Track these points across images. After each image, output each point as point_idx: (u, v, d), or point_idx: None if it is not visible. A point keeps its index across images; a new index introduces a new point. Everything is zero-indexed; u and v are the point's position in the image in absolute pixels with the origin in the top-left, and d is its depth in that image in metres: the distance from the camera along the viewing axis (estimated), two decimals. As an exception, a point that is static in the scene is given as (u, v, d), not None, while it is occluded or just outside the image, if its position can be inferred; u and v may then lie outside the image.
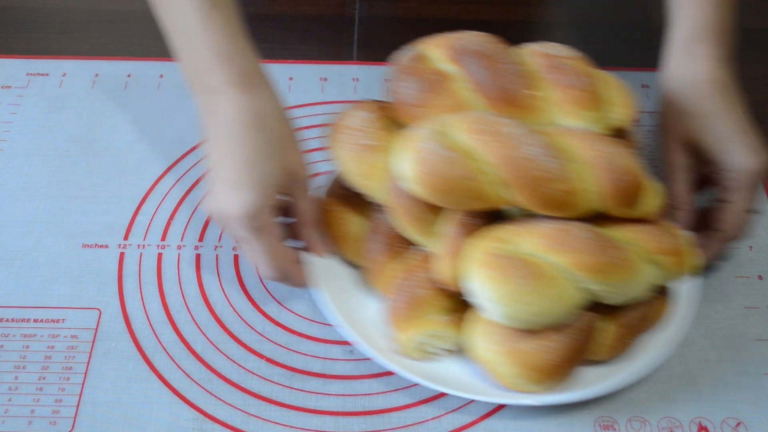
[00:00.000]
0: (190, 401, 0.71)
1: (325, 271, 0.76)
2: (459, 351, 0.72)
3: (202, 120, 0.71)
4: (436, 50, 0.74)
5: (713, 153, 0.75)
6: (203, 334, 0.76)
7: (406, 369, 0.70)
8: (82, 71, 0.97)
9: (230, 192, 0.68)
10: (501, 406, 0.71)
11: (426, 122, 0.68)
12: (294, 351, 0.75)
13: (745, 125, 0.74)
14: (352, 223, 0.77)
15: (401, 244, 0.74)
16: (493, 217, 0.70)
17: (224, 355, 0.74)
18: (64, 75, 0.97)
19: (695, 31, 0.77)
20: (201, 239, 0.82)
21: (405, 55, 0.75)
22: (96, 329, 0.75)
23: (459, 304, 0.71)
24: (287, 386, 0.72)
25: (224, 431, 0.69)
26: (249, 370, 0.73)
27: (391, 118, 0.75)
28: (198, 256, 0.81)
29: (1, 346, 0.74)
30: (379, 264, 0.74)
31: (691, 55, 0.77)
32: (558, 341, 0.67)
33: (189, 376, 0.73)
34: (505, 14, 1.10)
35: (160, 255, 0.81)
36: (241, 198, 0.67)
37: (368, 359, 0.74)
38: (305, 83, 0.97)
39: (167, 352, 0.74)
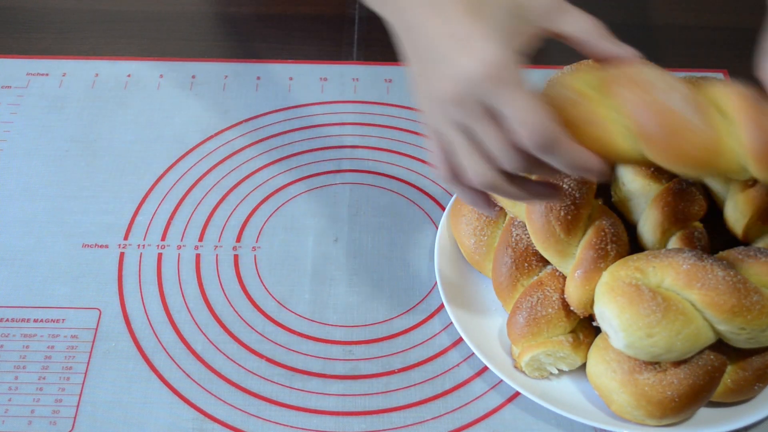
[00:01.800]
0: (190, 401, 0.71)
1: (452, 282, 0.77)
2: (574, 371, 0.72)
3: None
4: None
5: None
6: (203, 334, 0.76)
7: (525, 388, 0.70)
8: (82, 71, 0.97)
9: (453, 55, 0.53)
10: (501, 406, 0.71)
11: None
12: (294, 351, 0.75)
13: None
14: (489, 236, 0.77)
15: (533, 261, 0.74)
16: (631, 245, 0.71)
17: (224, 355, 0.74)
18: (64, 75, 0.97)
19: None
20: (201, 239, 0.82)
21: (561, 72, 0.72)
22: (96, 329, 0.75)
23: (581, 327, 0.72)
24: (287, 386, 0.72)
25: (224, 431, 0.69)
26: (249, 370, 0.73)
27: None
28: (198, 256, 0.81)
29: (1, 346, 0.74)
30: (508, 279, 0.74)
31: None
32: (681, 378, 0.66)
33: (189, 376, 0.73)
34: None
35: (160, 255, 0.81)
36: (473, 54, 0.52)
37: (366, 359, 0.74)
38: (305, 83, 0.97)
39: (167, 352, 0.74)
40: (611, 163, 0.57)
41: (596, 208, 0.72)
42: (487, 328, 0.75)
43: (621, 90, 0.56)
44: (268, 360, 0.74)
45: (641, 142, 0.57)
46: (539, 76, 0.99)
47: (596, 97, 0.57)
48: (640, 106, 0.56)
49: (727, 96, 0.57)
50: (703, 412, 0.69)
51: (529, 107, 0.52)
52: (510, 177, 0.58)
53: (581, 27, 0.58)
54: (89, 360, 0.73)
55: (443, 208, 0.85)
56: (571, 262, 0.70)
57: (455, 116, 0.55)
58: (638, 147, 0.57)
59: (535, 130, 0.53)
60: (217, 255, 0.81)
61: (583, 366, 0.71)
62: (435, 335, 0.76)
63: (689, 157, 0.56)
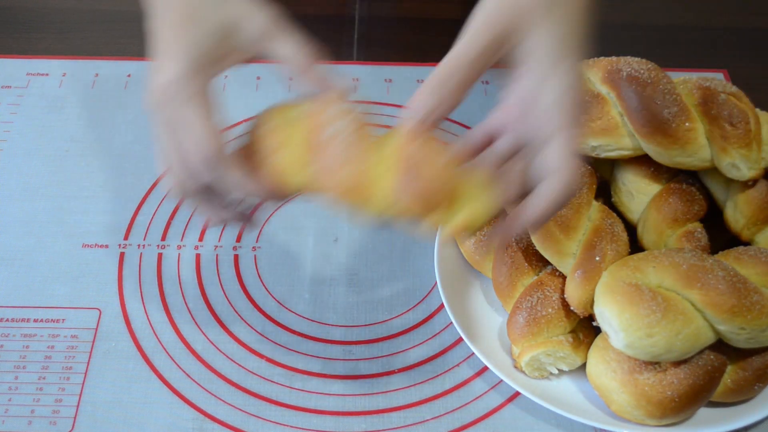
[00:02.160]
0: (190, 401, 0.71)
1: (452, 282, 0.77)
2: (574, 371, 0.72)
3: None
4: (592, 71, 0.74)
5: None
6: (203, 334, 0.75)
7: (525, 388, 0.70)
8: (82, 71, 0.97)
9: (163, 59, 0.57)
10: (501, 406, 0.72)
11: None
12: (294, 351, 0.75)
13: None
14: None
15: (533, 261, 0.74)
16: (631, 245, 0.71)
17: (224, 355, 0.74)
18: (64, 75, 0.97)
19: None
20: (201, 239, 0.82)
21: None
22: (96, 329, 0.75)
23: (581, 326, 0.72)
24: (287, 386, 0.72)
25: (224, 431, 0.69)
26: (249, 370, 0.73)
27: None
28: (198, 256, 0.81)
29: (1, 346, 0.74)
30: (508, 279, 0.74)
31: None
32: (681, 378, 0.66)
33: (189, 376, 0.73)
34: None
35: (160, 255, 0.81)
36: (170, 62, 0.56)
37: (366, 359, 0.74)
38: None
39: (167, 352, 0.74)
40: (288, 189, 0.59)
41: (596, 208, 0.72)
42: (487, 328, 0.75)
43: (300, 126, 0.59)
44: (268, 360, 0.74)
45: (310, 175, 0.58)
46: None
47: (283, 130, 0.59)
48: (310, 144, 0.58)
49: (393, 135, 0.57)
50: (703, 412, 0.69)
51: (197, 127, 0.56)
52: (207, 193, 0.60)
53: (289, 55, 0.60)
54: (89, 360, 0.73)
55: (443, 208, 0.85)
56: (571, 262, 0.70)
57: (154, 122, 0.59)
58: (306, 179, 0.59)
59: (200, 148, 0.56)
60: (217, 255, 0.81)
61: (583, 366, 0.71)
62: (435, 335, 0.76)
63: (342, 191, 0.56)
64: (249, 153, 0.59)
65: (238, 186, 0.58)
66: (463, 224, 0.56)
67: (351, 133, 0.56)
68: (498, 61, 0.56)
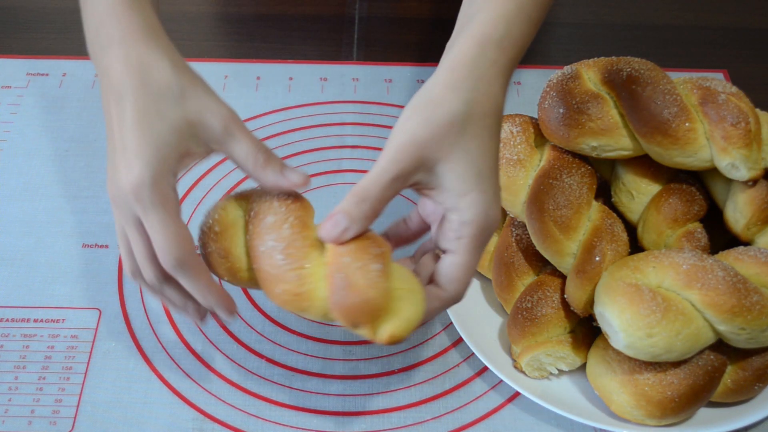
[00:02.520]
0: (190, 401, 0.71)
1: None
2: (574, 371, 0.72)
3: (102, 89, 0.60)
4: (592, 71, 0.74)
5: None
6: (203, 334, 0.76)
7: (525, 388, 0.70)
8: (82, 71, 0.97)
9: (119, 164, 0.56)
10: (501, 406, 0.72)
11: None
12: (294, 351, 0.75)
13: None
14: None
15: (533, 261, 0.74)
16: (631, 245, 0.71)
17: (224, 355, 0.74)
18: (64, 75, 0.97)
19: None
20: (201, 239, 0.82)
21: (562, 72, 0.75)
22: (96, 329, 0.75)
23: (581, 326, 0.72)
24: (287, 386, 0.72)
25: (224, 431, 0.69)
26: (249, 370, 0.73)
27: (537, 133, 0.75)
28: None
29: (1, 346, 0.74)
30: (508, 279, 0.74)
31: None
32: (681, 378, 0.66)
33: (189, 376, 0.73)
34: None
35: (160, 255, 0.81)
36: (129, 168, 0.55)
37: (366, 359, 0.74)
38: (305, 83, 0.97)
39: (167, 352, 0.74)
40: (243, 287, 0.60)
41: (596, 208, 0.72)
42: (487, 328, 0.75)
43: (249, 228, 0.59)
44: (268, 360, 0.74)
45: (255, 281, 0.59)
46: (539, 76, 0.99)
47: (231, 233, 0.60)
48: (250, 249, 0.58)
49: (328, 246, 0.57)
50: (703, 412, 0.69)
51: (163, 230, 0.56)
52: (174, 284, 0.61)
53: (244, 155, 0.58)
54: (89, 360, 0.73)
55: (443, 208, 0.85)
56: (570, 262, 0.70)
57: (117, 216, 0.59)
58: (253, 283, 0.60)
59: (166, 251, 0.57)
60: (217, 255, 0.81)
61: (583, 366, 0.71)
62: (435, 335, 0.76)
63: (281, 299, 0.57)
64: (206, 249, 0.60)
65: (201, 293, 0.59)
66: (394, 334, 0.57)
67: (290, 237, 0.57)
68: (416, 184, 0.59)
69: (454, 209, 0.58)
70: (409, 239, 0.66)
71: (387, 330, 0.56)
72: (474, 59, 0.58)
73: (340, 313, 0.56)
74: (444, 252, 0.60)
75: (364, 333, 0.57)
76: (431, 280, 0.61)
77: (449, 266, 0.59)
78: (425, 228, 0.65)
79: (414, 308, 0.58)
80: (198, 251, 0.60)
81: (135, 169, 0.55)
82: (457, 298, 0.61)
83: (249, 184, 0.64)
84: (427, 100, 0.57)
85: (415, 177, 0.57)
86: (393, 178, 0.56)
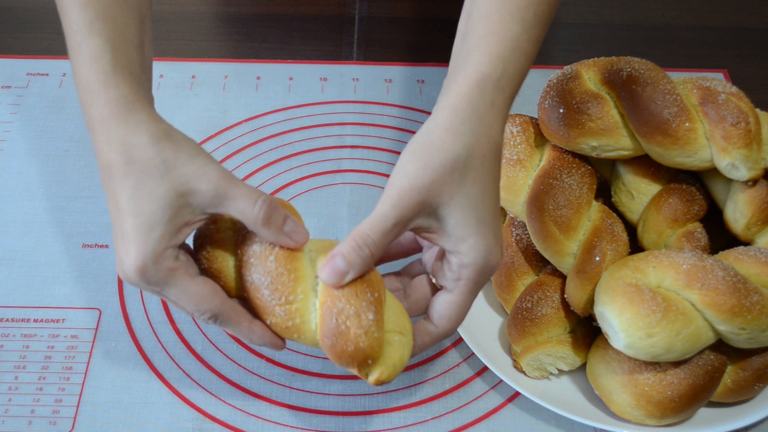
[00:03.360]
0: (190, 401, 0.71)
1: None
2: (574, 371, 0.72)
3: None
4: (592, 71, 0.74)
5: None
6: (203, 334, 0.75)
7: (525, 388, 0.70)
8: (82, 71, 0.97)
9: (120, 250, 0.57)
10: (501, 406, 0.72)
11: None
12: (294, 351, 0.75)
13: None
14: None
15: (533, 261, 0.74)
16: (631, 245, 0.71)
17: (224, 355, 0.74)
18: (64, 75, 0.97)
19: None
20: (201, 239, 0.82)
21: (562, 72, 0.75)
22: (96, 329, 0.75)
23: (581, 326, 0.72)
24: (287, 386, 0.72)
25: (224, 431, 0.69)
26: (249, 370, 0.73)
27: (537, 133, 0.75)
28: (198, 256, 0.81)
29: (1, 346, 0.74)
30: (508, 279, 0.74)
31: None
32: (681, 378, 0.66)
33: (189, 376, 0.73)
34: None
35: (160, 255, 0.81)
36: (128, 253, 0.56)
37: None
38: (305, 83, 0.97)
39: (167, 352, 0.74)
40: None
41: (596, 208, 0.72)
42: (487, 328, 0.75)
43: (238, 252, 0.59)
44: (268, 360, 0.74)
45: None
46: (539, 76, 0.99)
47: (230, 247, 0.60)
48: (240, 275, 0.59)
49: (321, 277, 0.58)
50: (703, 412, 0.69)
51: (184, 298, 0.58)
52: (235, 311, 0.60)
53: (242, 215, 0.57)
54: (89, 360, 0.73)
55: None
56: (570, 262, 0.70)
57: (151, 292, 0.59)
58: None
59: (196, 313, 0.58)
60: (217, 255, 0.81)
61: (583, 366, 0.71)
62: (435, 335, 0.76)
63: (276, 330, 0.59)
64: (200, 265, 0.60)
65: (244, 336, 0.60)
66: (380, 380, 0.58)
67: (275, 272, 0.57)
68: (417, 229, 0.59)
69: (455, 252, 0.58)
70: (399, 256, 0.67)
71: (375, 375, 0.57)
72: (473, 101, 0.58)
73: (330, 354, 0.57)
74: (441, 288, 0.61)
75: (352, 371, 0.58)
76: (424, 310, 0.62)
77: (444, 304, 0.60)
78: (417, 248, 0.66)
79: (402, 352, 0.59)
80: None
81: (134, 254, 0.55)
82: (447, 335, 0.62)
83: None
84: (427, 144, 0.57)
85: (416, 222, 0.58)
86: (394, 224, 0.57)
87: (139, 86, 0.58)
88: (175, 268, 0.57)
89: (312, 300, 0.58)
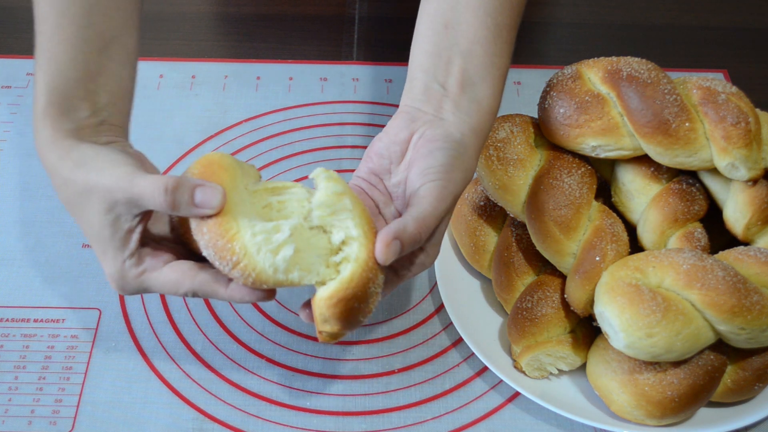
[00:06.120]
0: (190, 401, 0.71)
1: (452, 282, 0.77)
2: (574, 371, 0.72)
3: None
4: (592, 71, 0.74)
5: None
6: (203, 334, 0.76)
7: (525, 388, 0.70)
8: (82, 71, 0.97)
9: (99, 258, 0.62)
10: (501, 406, 0.72)
11: None
12: (294, 351, 0.75)
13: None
14: (489, 235, 0.77)
15: (533, 261, 0.74)
16: (631, 245, 0.71)
17: (224, 355, 0.74)
18: (64, 75, 0.97)
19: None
20: (201, 239, 0.82)
21: (562, 72, 0.75)
22: (96, 329, 0.75)
23: (581, 326, 0.72)
24: (287, 386, 0.72)
25: (224, 431, 0.69)
26: (249, 370, 0.73)
27: (537, 133, 0.75)
28: (198, 256, 0.81)
29: (1, 346, 0.74)
30: (508, 279, 0.74)
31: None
32: (681, 378, 0.66)
33: (189, 376, 0.73)
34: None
35: (160, 255, 0.81)
36: (106, 274, 0.61)
37: (366, 359, 0.74)
38: (305, 83, 0.97)
39: (167, 352, 0.74)
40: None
41: (596, 208, 0.72)
42: (487, 328, 0.75)
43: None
44: (268, 360, 0.74)
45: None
46: (539, 76, 0.99)
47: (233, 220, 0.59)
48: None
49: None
50: (703, 412, 0.69)
51: (161, 287, 0.61)
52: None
53: (155, 207, 0.58)
54: (89, 360, 0.73)
55: (443, 208, 0.85)
56: (570, 262, 0.70)
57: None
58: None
59: (179, 294, 0.61)
60: (217, 255, 0.81)
61: (583, 366, 0.71)
62: (435, 335, 0.76)
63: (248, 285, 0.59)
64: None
65: (229, 300, 0.61)
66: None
67: (214, 240, 0.57)
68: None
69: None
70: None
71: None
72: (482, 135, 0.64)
73: (329, 301, 0.56)
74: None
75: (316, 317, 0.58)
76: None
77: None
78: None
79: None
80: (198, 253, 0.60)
81: (108, 276, 0.61)
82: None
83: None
84: (461, 151, 0.62)
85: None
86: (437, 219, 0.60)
87: (69, 121, 0.61)
88: (142, 272, 0.60)
89: (252, 240, 0.56)
